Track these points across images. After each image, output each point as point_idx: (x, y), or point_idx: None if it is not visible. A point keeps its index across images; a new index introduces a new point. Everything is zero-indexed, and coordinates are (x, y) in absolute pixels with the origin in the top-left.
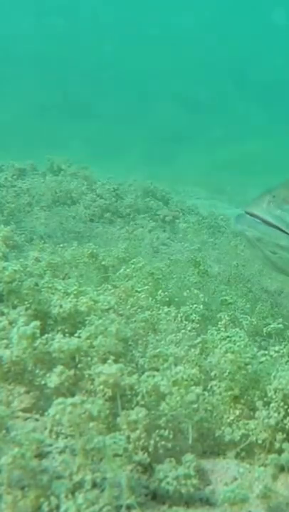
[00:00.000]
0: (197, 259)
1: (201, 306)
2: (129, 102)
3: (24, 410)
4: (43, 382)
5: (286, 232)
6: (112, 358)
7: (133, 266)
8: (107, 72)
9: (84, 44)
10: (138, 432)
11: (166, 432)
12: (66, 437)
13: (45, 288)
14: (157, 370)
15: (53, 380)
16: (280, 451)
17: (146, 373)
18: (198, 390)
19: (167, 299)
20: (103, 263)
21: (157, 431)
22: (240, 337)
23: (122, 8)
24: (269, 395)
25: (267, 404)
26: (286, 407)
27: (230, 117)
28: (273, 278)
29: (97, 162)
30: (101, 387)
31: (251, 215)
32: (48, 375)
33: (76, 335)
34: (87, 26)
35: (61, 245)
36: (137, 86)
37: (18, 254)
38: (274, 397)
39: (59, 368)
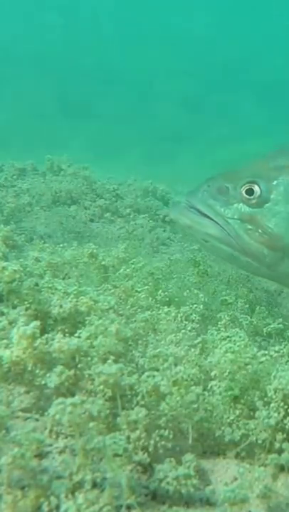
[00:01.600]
0: (197, 259)
1: (201, 306)
2: (129, 102)
3: (24, 410)
4: (43, 382)
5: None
6: (112, 358)
7: (133, 266)
8: (107, 72)
9: (84, 44)
10: (138, 431)
11: (166, 432)
12: (66, 437)
13: (45, 288)
14: (157, 370)
15: (53, 380)
16: (280, 451)
17: (146, 373)
18: (198, 390)
19: (167, 299)
20: (103, 263)
21: (157, 431)
22: (240, 337)
23: (122, 7)
24: (269, 395)
25: (267, 404)
26: (286, 407)
27: (230, 117)
28: None
29: (97, 162)
30: (101, 387)
31: (188, 203)
32: (48, 375)
33: (76, 335)
34: (87, 26)
35: (61, 245)
36: (137, 86)
37: (18, 254)
38: (274, 397)
39: (59, 368)
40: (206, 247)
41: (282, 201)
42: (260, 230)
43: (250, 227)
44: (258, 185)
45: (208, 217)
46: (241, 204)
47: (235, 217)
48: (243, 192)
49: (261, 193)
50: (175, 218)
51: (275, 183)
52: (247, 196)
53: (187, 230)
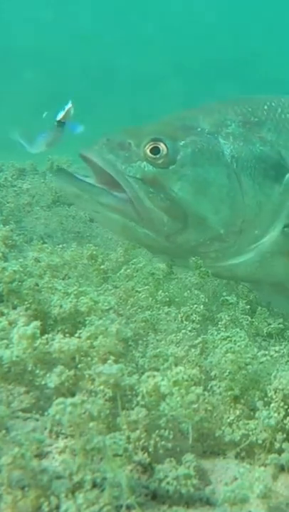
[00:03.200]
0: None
1: (202, 307)
2: (130, 102)
3: (24, 410)
4: (43, 382)
5: (119, 183)
6: (113, 358)
7: (134, 266)
8: (108, 71)
9: (84, 43)
10: (138, 432)
11: (166, 432)
12: (66, 437)
13: (45, 288)
14: (157, 370)
15: (53, 380)
16: (280, 451)
17: (147, 373)
18: (199, 390)
19: (168, 299)
20: (102, 267)
21: (157, 431)
22: (240, 337)
23: (122, 7)
24: (269, 395)
25: (267, 404)
26: (286, 407)
27: None
28: None
29: None
30: (101, 387)
31: (84, 158)
32: (48, 375)
33: (76, 335)
34: (87, 26)
35: (61, 245)
36: (137, 86)
37: (18, 254)
38: (274, 397)
39: (59, 368)
40: (98, 220)
41: (189, 164)
42: (162, 195)
43: (152, 190)
44: (164, 144)
45: (104, 178)
46: (145, 163)
47: (138, 176)
48: (148, 150)
49: (168, 152)
50: (60, 187)
51: (182, 143)
52: (151, 155)
53: (75, 200)
